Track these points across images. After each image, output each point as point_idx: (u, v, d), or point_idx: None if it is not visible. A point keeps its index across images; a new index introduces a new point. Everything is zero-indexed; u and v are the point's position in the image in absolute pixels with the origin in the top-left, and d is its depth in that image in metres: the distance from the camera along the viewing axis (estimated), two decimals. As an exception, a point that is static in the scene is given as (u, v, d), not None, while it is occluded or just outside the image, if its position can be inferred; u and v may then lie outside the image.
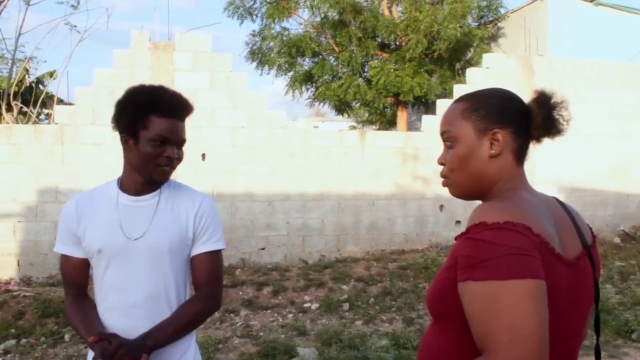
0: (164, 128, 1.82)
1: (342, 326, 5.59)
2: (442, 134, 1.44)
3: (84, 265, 1.97)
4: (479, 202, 1.42)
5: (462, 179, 1.40)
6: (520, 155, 1.39)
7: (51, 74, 12.73)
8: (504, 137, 1.35)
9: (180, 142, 1.89)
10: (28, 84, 12.42)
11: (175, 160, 1.88)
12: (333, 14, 13.05)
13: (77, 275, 1.97)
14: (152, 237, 1.90)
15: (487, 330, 1.13)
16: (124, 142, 1.87)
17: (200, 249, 1.96)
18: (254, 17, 13.67)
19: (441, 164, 1.46)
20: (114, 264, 1.90)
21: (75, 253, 1.94)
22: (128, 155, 1.90)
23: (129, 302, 1.89)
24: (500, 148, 1.35)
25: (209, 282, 1.95)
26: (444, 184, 1.47)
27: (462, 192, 1.44)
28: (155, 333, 1.83)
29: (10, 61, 10.20)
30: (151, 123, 1.81)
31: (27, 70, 12.96)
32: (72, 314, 1.93)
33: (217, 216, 2.03)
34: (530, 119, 1.38)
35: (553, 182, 8.96)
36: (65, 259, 1.97)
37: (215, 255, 1.99)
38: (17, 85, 10.62)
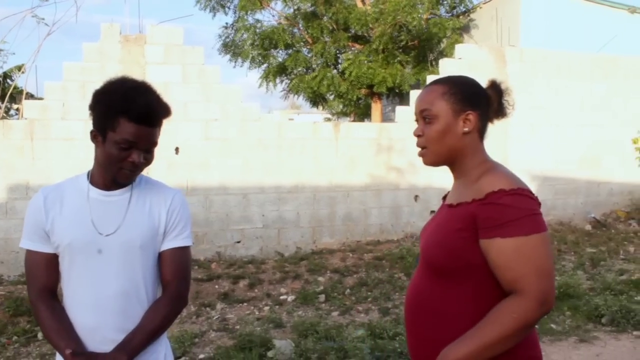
0: (132, 133, 1.76)
1: (319, 317, 5.59)
2: (422, 111, 1.71)
3: (53, 262, 1.90)
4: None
5: (439, 150, 1.69)
6: (482, 133, 1.72)
7: (19, 68, 12.47)
8: (474, 118, 1.66)
9: (149, 147, 1.84)
10: (-5, 78, 12.17)
11: (141, 164, 1.83)
12: (306, 6, 12.99)
13: (45, 273, 1.90)
14: (124, 233, 1.87)
15: (518, 275, 1.48)
16: (93, 136, 1.83)
17: (169, 244, 1.94)
18: (227, 9, 13.57)
19: (418, 136, 1.73)
20: (83, 259, 1.85)
21: (43, 248, 1.89)
22: (96, 151, 1.86)
23: (99, 297, 1.85)
24: (471, 126, 1.67)
25: (177, 280, 1.93)
26: (420, 154, 1.75)
27: (437, 160, 1.73)
28: (127, 344, 1.80)
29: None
30: (119, 126, 1.75)
31: (-5, 64, 12.69)
32: (45, 319, 1.85)
33: (188, 212, 2.01)
34: (489, 104, 1.72)
35: (525, 171, 9.04)
36: (31, 255, 1.91)
37: (184, 251, 1.97)
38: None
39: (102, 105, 1.79)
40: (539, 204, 1.58)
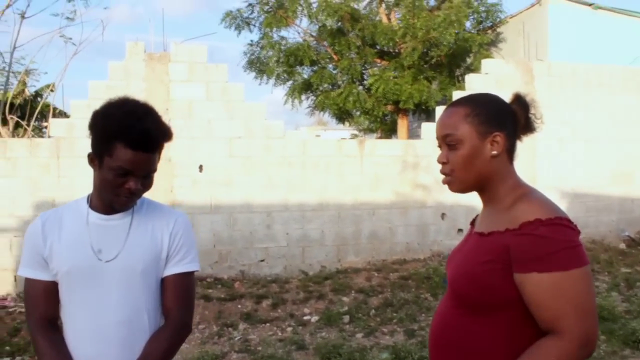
0: (128, 160, 1.69)
1: (342, 339, 5.47)
2: (445, 136, 1.58)
3: (52, 290, 1.82)
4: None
5: (466, 177, 1.57)
6: (511, 153, 1.60)
7: (49, 87, 12.69)
8: (502, 139, 1.54)
9: (146, 173, 1.77)
10: (27, 97, 12.39)
11: (138, 191, 1.76)
12: (331, 23, 12.97)
13: (44, 302, 1.82)
14: (125, 259, 1.80)
15: (558, 314, 1.36)
16: (90, 160, 1.77)
17: (171, 270, 1.86)
18: (252, 26, 13.62)
19: (443, 163, 1.60)
20: (83, 286, 1.78)
21: (42, 276, 1.82)
22: (94, 174, 1.79)
23: (99, 327, 1.78)
24: (500, 148, 1.54)
25: (178, 309, 1.85)
26: (446, 182, 1.62)
27: (465, 188, 1.60)
28: None
29: (5, 75, 10.14)
30: (116, 152, 1.68)
31: (26, 84, 12.93)
32: (43, 351, 1.77)
33: (192, 236, 1.94)
34: (515, 121, 1.60)
35: (555, 188, 8.83)
36: (30, 284, 1.83)
37: (187, 277, 1.89)
38: (15, 98, 10.58)
39: (99, 129, 1.72)
40: (579, 233, 1.45)
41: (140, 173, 1.73)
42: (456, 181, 1.60)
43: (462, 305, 1.55)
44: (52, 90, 12.36)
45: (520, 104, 1.62)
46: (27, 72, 12.97)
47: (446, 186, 1.64)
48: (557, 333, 1.37)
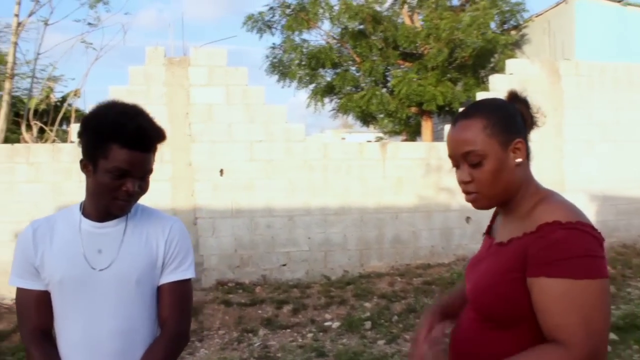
0: (125, 160, 1.63)
1: (363, 346, 5.36)
2: (466, 154, 1.46)
3: (45, 300, 1.77)
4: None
5: (494, 192, 1.46)
6: (529, 156, 1.50)
7: (75, 92, 12.82)
8: (523, 145, 1.45)
9: (143, 174, 1.71)
10: (52, 103, 12.53)
11: (135, 193, 1.70)
12: (353, 25, 12.87)
13: (36, 312, 1.76)
14: (119, 267, 1.73)
15: (563, 323, 1.26)
16: (83, 166, 1.71)
17: (167, 278, 1.80)
18: (274, 30, 13.60)
19: (467, 182, 1.48)
20: (76, 296, 1.72)
21: (34, 285, 1.76)
22: (87, 181, 1.74)
23: (94, 338, 1.72)
24: (523, 155, 1.46)
25: (175, 319, 1.79)
26: (471, 199, 1.50)
27: (493, 203, 1.51)
28: None
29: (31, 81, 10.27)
30: (111, 153, 1.63)
31: (52, 89, 13.09)
32: None
33: (188, 242, 1.87)
34: (524, 120, 1.51)
35: (584, 191, 8.60)
36: (22, 294, 1.78)
37: (183, 285, 1.83)
38: (39, 104, 10.70)
39: (91, 132, 1.66)
40: (602, 242, 1.34)
41: (137, 174, 1.68)
42: (483, 199, 1.49)
43: (485, 318, 1.45)
44: (77, 96, 12.50)
45: (521, 101, 1.54)
46: (55, 79, 13.15)
47: None
48: (561, 344, 1.27)
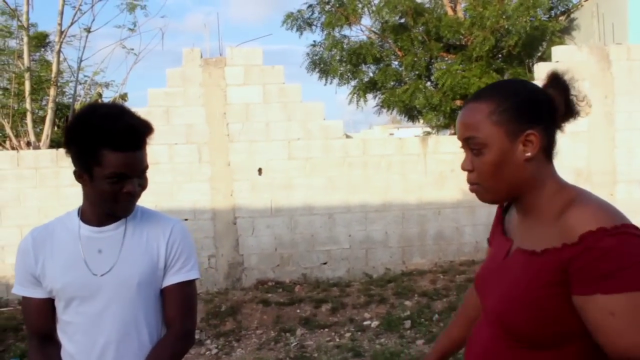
0: (120, 164, 1.60)
1: (402, 346, 5.24)
2: (467, 139, 1.33)
3: (47, 307, 1.77)
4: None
5: (496, 186, 1.31)
6: (549, 150, 1.32)
7: (122, 97, 13.11)
8: (536, 138, 1.27)
9: (141, 172, 1.68)
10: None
11: (137, 193, 1.68)
12: (394, 19, 12.66)
13: (39, 318, 1.77)
14: (120, 272, 1.72)
15: (634, 344, 1.10)
16: (78, 176, 1.67)
17: (171, 279, 1.78)
18: (314, 27, 13.51)
19: (468, 170, 1.35)
20: (78, 303, 1.71)
21: (36, 294, 1.76)
22: (84, 189, 1.71)
23: (97, 344, 1.71)
24: (535, 149, 1.27)
25: (180, 319, 1.76)
26: (473, 190, 1.37)
27: (496, 198, 1.36)
28: None
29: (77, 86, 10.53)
30: (105, 159, 1.59)
31: (101, 95, 13.42)
32: None
33: (191, 243, 1.84)
34: (553, 109, 1.31)
35: (638, 182, 8.18)
36: (25, 301, 1.79)
37: (188, 285, 1.80)
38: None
39: (80, 141, 1.62)
40: None
41: (135, 173, 1.66)
42: (485, 191, 1.34)
43: (515, 338, 1.27)
44: (124, 100, 12.77)
45: (559, 86, 1.32)
46: (105, 84, 13.46)
47: None
48: None
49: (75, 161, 1.65)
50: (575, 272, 1.15)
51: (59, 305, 1.75)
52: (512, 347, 1.28)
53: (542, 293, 1.21)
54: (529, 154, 1.28)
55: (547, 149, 1.32)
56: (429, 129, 24.47)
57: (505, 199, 1.38)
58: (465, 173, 1.39)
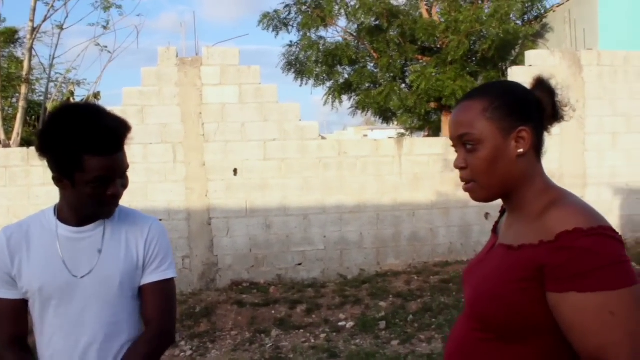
0: (103, 167, 1.57)
1: (377, 347, 5.26)
2: (461, 136, 1.36)
3: (21, 308, 1.73)
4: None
5: (490, 182, 1.35)
6: (539, 150, 1.37)
7: (96, 96, 12.93)
8: (528, 134, 1.32)
9: (123, 173, 1.66)
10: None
11: (120, 194, 1.67)
12: (369, 20, 12.72)
13: (13, 322, 1.72)
14: (101, 273, 1.69)
15: (605, 342, 1.13)
16: (57, 181, 1.63)
17: (149, 278, 1.76)
18: (290, 27, 13.52)
19: (461, 168, 1.38)
20: (57, 304, 1.68)
21: (10, 295, 1.71)
22: (64, 193, 1.68)
23: (79, 345, 1.68)
24: (527, 146, 1.32)
25: (158, 318, 1.75)
26: (467, 189, 1.40)
27: (490, 195, 1.38)
28: None
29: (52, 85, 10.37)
30: (87, 164, 1.56)
31: (72, 93, 13.21)
32: None
33: (168, 241, 1.83)
34: (542, 110, 1.37)
35: (607, 184, 8.36)
36: None
37: (166, 284, 1.79)
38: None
39: (58, 148, 1.57)
40: (624, 245, 1.21)
41: (118, 175, 1.64)
42: (479, 188, 1.37)
43: (486, 330, 1.31)
44: (97, 99, 12.60)
45: (545, 89, 1.38)
46: (77, 82, 13.26)
47: None
48: None
49: (54, 167, 1.61)
50: (551, 270, 1.18)
51: (35, 307, 1.71)
52: (484, 339, 1.31)
53: (513, 286, 1.24)
54: (521, 150, 1.31)
55: (537, 148, 1.36)
56: (402, 131, 24.66)
57: (498, 195, 1.39)
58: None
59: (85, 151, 1.54)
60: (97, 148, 1.55)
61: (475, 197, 1.40)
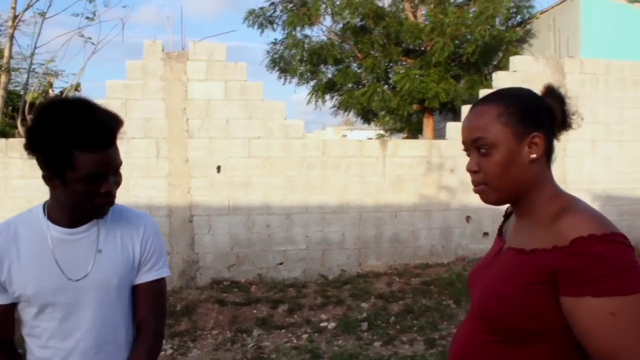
0: (95, 164, 1.51)
1: (359, 348, 5.26)
2: (475, 140, 1.37)
3: (10, 312, 1.66)
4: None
5: (502, 186, 1.36)
6: (550, 156, 1.40)
7: (76, 87, 12.70)
8: (541, 140, 1.34)
9: (116, 169, 1.60)
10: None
11: (114, 190, 1.61)
12: (355, 21, 12.72)
13: (3, 326, 1.66)
14: (98, 275, 1.63)
15: (619, 346, 1.14)
16: (47, 180, 1.57)
17: (144, 277, 1.72)
18: (275, 25, 13.45)
19: (474, 171, 1.39)
20: (52, 309, 1.61)
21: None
22: (54, 192, 1.60)
23: (77, 349, 1.63)
24: (539, 151, 1.34)
25: (154, 319, 1.72)
26: (479, 191, 1.41)
27: (501, 198, 1.39)
28: None
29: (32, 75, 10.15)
30: (78, 161, 1.49)
31: (51, 84, 12.97)
32: None
33: (161, 239, 1.80)
34: (552, 117, 1.39)
35: (586, 190, 8.47)
36: None
37: (159, 283, 1.76)
38: (37, 98, 10.58)
39: (47, 146, 1.50)
40: (634, 251, 1.24)
41: (111, 171, 1.58)
42: (490, 191, 1.38)
43: (493, 332, 1.32)
44: (77, 90, 12.38)
45: (555, 97, 1.42)
46: (55, 73, 13.03)
47: (471, 188, 1.43)
48: None
49: (44, 165, 1.54)
50: (565, 275, 1.20)
51: (28, 311, 1.64)
52: (491, 341, 1.33)
53: (526, 289, 1.25)
54: (534, 156, 1.34)
55: (548, 154, 1.39)
56: (382, 132, 24.73)
57: (509, 199, 1.40)
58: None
59: (76, 147, 1.48)
60: (87, 143, 1.49)
61: (486, 200, 1.41)
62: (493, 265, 1.44)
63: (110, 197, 1.61)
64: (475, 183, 1.41)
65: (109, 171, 1.57)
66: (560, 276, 1.21)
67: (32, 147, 1.53)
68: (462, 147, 1.45)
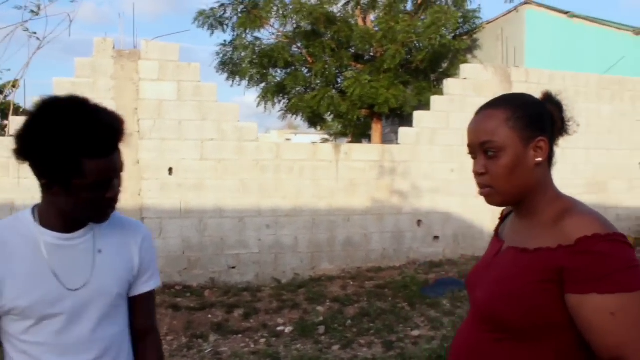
0: (104, 170, 1.43)
1: (318, 352, 5.24)
2: (483, 143, 1.40)
3: None
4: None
5: (508, 188, 1.39)
6: (551, 159, 1.44)
7: (13, 84, 12.17)
8: (545, 145, 1.39)
9: (120, 172, 1.52)
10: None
11: (118, 194, 1.54)
12: (305, 24, 12.72)
13: None
14: (98, 284, 1.53)
15: (624, 341, 1.19)
16: (47, 188, 1.45)
17: (143, 288, 1.67)
18: (225, 26, 13.28)
19: (481, 174, 1.42)
20: (49, 322, 1.50)
21: None
22: (52, 199, 1.49)
23: None
24: (544, 155, 1.39)
25: (154, 328, 1.71)
26: (485, 194, 1.44)
27: (506, 200, 1.43)
28: None
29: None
30: (87, 169, 1.39)
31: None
32: None
33: (154, 248, 1.76)
34: (553, 122, 1.44)
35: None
36: None
37: (154, 291, 1.74)
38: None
39: (50, 152, 1.38)
40: (634, 250, 1.29)
41: (116, 175, 1.50)
42: (495, 194, 1.42)
43: (498, 330, 1.36)
44: (14, 87, 11.87)
45: (554, 103, 1.47)
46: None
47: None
48: None
49: (44, 174, 1.42)
50: (571, 273, 1.24)
51: (20, 325, 1.50)
52: (495, 339, 1.36)
53: (534, 287, 1.29)
54: (539, 159, 1.38)
55: (550, 158, 1.44)
56: (326, 136, 24.83)
57: (514, 201, 1.44)
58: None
59: (85, 155, 1.38)
60: (97, 151, 1.40)
61: (492, 202, 1.44)
62: (494, 266, 1.47)
63: (114, 203, 1.53)
64: (481, 185, 1.44)
65: (114, 175, 1.49)
66: (566, 274, 1.25)
67: (27, 153, 1.41)
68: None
